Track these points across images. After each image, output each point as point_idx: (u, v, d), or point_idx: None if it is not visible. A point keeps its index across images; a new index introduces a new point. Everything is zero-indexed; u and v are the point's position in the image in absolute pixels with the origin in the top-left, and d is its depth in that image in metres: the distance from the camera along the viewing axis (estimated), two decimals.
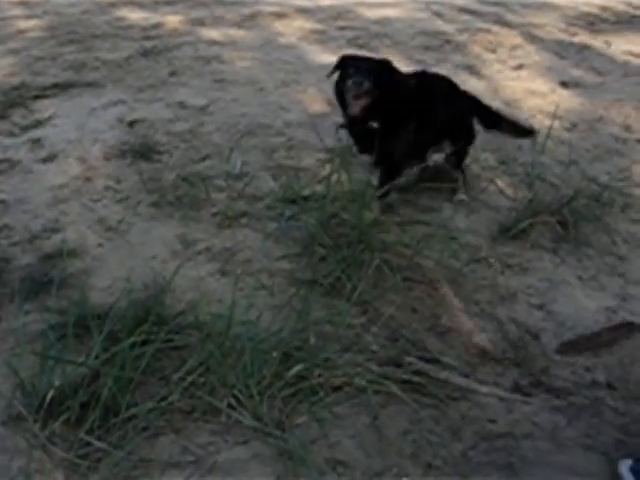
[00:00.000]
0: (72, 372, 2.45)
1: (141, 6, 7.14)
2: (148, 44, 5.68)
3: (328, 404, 2.42)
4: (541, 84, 5.01)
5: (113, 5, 7.22)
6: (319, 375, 2.48)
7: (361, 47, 5.46)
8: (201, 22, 6.30)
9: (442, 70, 4.92)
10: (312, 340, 2.58)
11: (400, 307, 2.88)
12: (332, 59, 5.12)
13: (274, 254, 3.14)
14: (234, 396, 2.41)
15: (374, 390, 2.47)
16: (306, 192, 3.43)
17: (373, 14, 6.38)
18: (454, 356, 2.71)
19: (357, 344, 2.68)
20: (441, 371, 2.62)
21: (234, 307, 2.58)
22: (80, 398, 2.38)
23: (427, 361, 2.66)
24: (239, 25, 6.17)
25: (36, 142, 4.19)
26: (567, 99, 4.78)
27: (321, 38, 5.75)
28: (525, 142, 4.04)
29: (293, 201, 3.40)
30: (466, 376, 2.63)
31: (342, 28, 5.98)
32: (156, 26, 6.23)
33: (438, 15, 6.41)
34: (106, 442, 2.30)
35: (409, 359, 2.64)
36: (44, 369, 2.45)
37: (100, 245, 3.28)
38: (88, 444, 2.30)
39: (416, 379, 2.55)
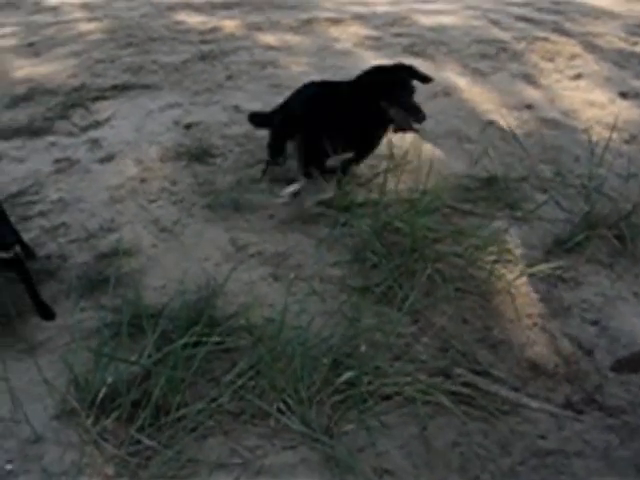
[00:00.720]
0: (125, 370, 2.49)
1: (198, 10, 7.23)
2: (205, 48, 5.74)
3: (377, 413, 2.42)
4: (600, 94, 4.92)
5: (171, 9, 7.33)
6: (369, 383, 2.47)
7: (417, 54, 5.43)
8: (258, 27, 6.34)
9: (499, 79, 4.91)
10: (362, 348, 2.58)
11: (451, 318, 2.85)
12: None
13: (326, 260, 3.14)
14: (283, 401, 2.42)
15: (423, 400, 2.45)
16: (360, 199, 3.43)
17: (429, 21, 6.34)
18: (505, 369, 2.68)
19: (407, 353, 2.67)
20: (491, 384, 2.59)
21: (285, 312, 2.60)
22: (132, 396, 2.42)
23: (477, 373, 2.63)
24: (295, 30, 6.20)
25: (95, 142, 4.28)
26: (626, 110, 4.68)
27: (376, 44, 5.73)
28: (582, 154, 3.98)
29: (346, 208, 3.40)
30: (516, 390, 2.59)
31: (397, 35, 5.96)
32: (213, 30, 6.30)
33: (495, 23, 6.34)
34: (156, 441, 2.34)
35: (459, 370, 2.62)
36: (98, 366, 2.51)
37: (154, 246, 3.33)
38: (138, 442, 2.34)
39: (465, 391, 2.52)
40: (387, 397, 2.48)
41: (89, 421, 2.41)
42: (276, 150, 3.63)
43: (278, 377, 2.45)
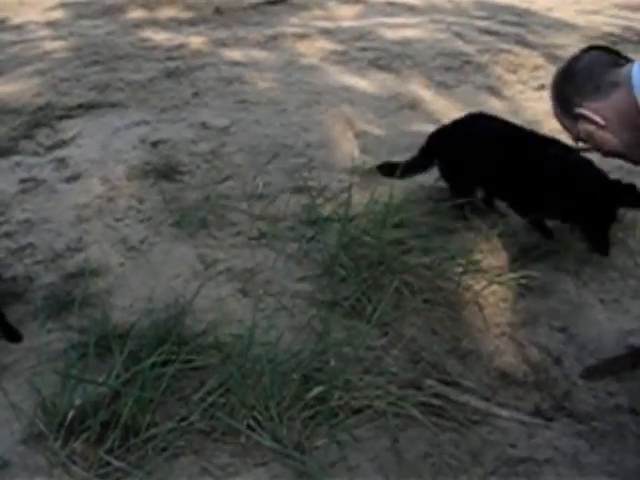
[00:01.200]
0: (93, 391, 2.47)
1: (164, 27, 7.22)
2: (171, 65, 5.74)
3: (348, 427, 2.42)
4: None
5: (137, 26, 7.31)
6: (339, 397, 2.47)
7: (382, 68, 5.49)
8: (223, 43, 6.35)
9: (464, 91, 4.98)
10: (332, 362, 2.58)
11: (421, 329, 2.87)
12: (353, 80, 5.23)
13: (295, 275, 3.15)
14: (254, 417, 2.41)
15: (394, 413, 2.46)
16: (327, 213, 3.44)
17: (394, 35, 6.39)
18: (475, 379, 2.70)
19: (377, 366, 2.67)
20: (461, 394, 2.61)
21: (254, 328, 2.59)
22: (101, 417, 2.39)
23: (447, 384, 2.65)
24: (261, 46, 6.22)
25: (60, 162, 4.24)
26: None
27: (343, 59, 5.77)
28: None
29: (314, 222, 3.41)
30: (487, 399, 2.61)
31: (363, 49, 6.00)
32: (179, 47, 6.30)
33: (459, 36, 6.41)
34: (126, 462, 2.31)
35: (429, 382, 2.63)
36: (65, 388, 2.47)
37: (122, 265, 3.30)
38: (108, 463, 2.31)
39: (436, 402, 2.53)
40: (358, 411, 2.48)
41: (57, 444, 2.37)
42: None
43: (248, 394, 2.44)
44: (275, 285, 3.10)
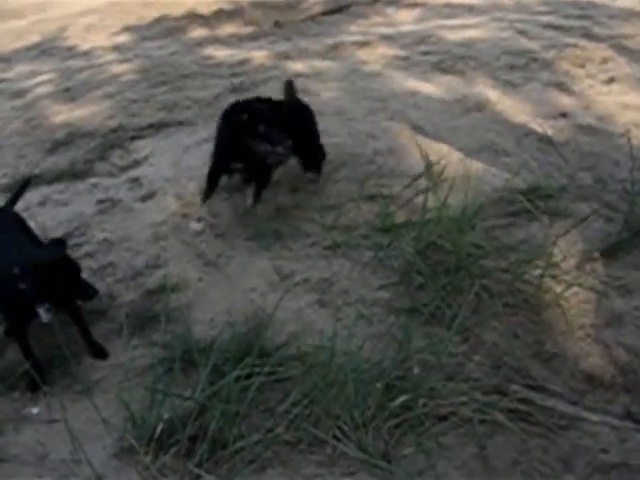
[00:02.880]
0: (180, 405, 2.51)
1: (226, 44, 7.34)
2: (236, 80, 5.82)
3: (434, 434, 2.40)
4: (634, 97, 4.86)
5: (199, 45, 7.46)
6: (424, 405, 2.46)
7: (446, 71, 5.44)
8: (286, 56, 6.42)
9: (531, 89, 4.89)
10: (415, 370, 2.56)
11: (502, 334, 2.83)
12: (417, 85, 5.20)
13: (371, 284, 3.14)
14: (339, 427, 2.42)
15: (480, 419, 2.43)
16: (400, 220, 3.43)
17: (456, 36, 6.34)
18: (560, 383, 2.64)
19: (460, 373, 2.64)
20: (548, 399, 2.55)
21: (335, 338, 2.60)
22: (189, 431, 2.44)
23: (532, 389, 2.60)
24: (323, 56, 6.25)
25: (135, 181, 4.36)
26: None
27: (405, 64, 5.75)
28: (622, 158, 3.92)
29: (388, 230, 3.40)
30: (574, 403, 2.55)
31: (425, 53, 5.97)
32: (242, 62, 6.39)
33: (522, 33, 6.31)
34: (215, 474, 2.35)
35: (514, 387, 2.59)
36: (153, 403, 2.53)
37: (200, 279, 3.37)
38: (198, 476, 2.35)
39: (522, 407, 2.49)
40: (443, 418, 2.46)
41: (148, 458, 2.44)
42: None
43: (332, 404, 2.45)
44: (352, 294, 3.10)
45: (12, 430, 2.73)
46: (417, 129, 4.43)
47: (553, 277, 3.09)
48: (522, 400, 2.52)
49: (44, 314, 2.85)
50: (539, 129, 4.34)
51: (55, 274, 2.78)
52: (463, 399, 2.49)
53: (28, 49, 8.66)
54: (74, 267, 2.92)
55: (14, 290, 2.79)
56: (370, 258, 3.29)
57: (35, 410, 2.81)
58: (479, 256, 3.11)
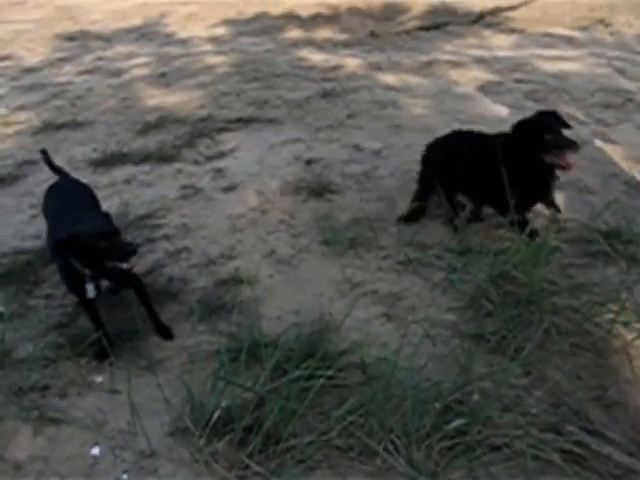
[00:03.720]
0: (239, 395, 2.57)
1: (320, 48, 7.44)
2: (327, 86, 5.90)
3: (485, 463, 2.38)
4: None
5: (294, 46, 7.58)
6: (478, 432, 2.44)
7: (538, 101, 5.38)
8: (378, 67, 6.47)
9: (624, 130, 4.79)
10: (475, 396, 2.56)
11: (565, 373, 2.78)
12: (508, 112, 5.16)
13: (440, 304, 3.14)
14: (391, 441, 2.43)
15: (533, 455, 2.40)
16: (476, 245, 3.42)
17: (551, 67, 6.28)
18: (619, 431, 2.58)
19: (518, 406, 2.62)
20: (604, 445, 2.50)
21: (399, 352, 2.62)
22: (245, 422, 2.49)
23: (590, 433, 2.55)
24: (415, 72, 6.27)
25: (218, 172, 4.47)
26: None
27: (497, 89, 5.72)
28: None
29: (462, 253, 3.40)
30: (631, 454, 2.49)
31: (519, 81, 5.93)
32: (335, 68, 6.47)
33: (620, 72, 6.20)
34: (264, 468, 2.39)
35: (570, 428, 2.55)
36: (215, 389, 2.59)
37: (271, 277, 3.43)
38: (248, 467, 2.40)
39: (577, 450, 2.45)
40: (496, 448, 2.44)
41: (202, 442, 2.50)
42: None
43: (388, 417, 2.46)
44: (420, 312, 3.11)
45: (76, 394, 2.83)
46: None
47: (624, 324, 3.03)
48: (578, 443, 2.47)
49: (90, 290, 2.93)
50: (627, 171, 4.26)
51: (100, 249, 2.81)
52: (518, 432, 2.47)
53: (128, 31, 8.96)
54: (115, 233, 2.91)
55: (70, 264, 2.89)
56: (441, 279, 3.29)
57: (99, 379, 2.91)
58: (551, 292, 3.07)
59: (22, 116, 6.03)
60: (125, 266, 2.82)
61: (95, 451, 2.56)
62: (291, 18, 8.71)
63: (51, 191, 3.45)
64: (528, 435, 2.46)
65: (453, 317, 3.06)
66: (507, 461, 2.42)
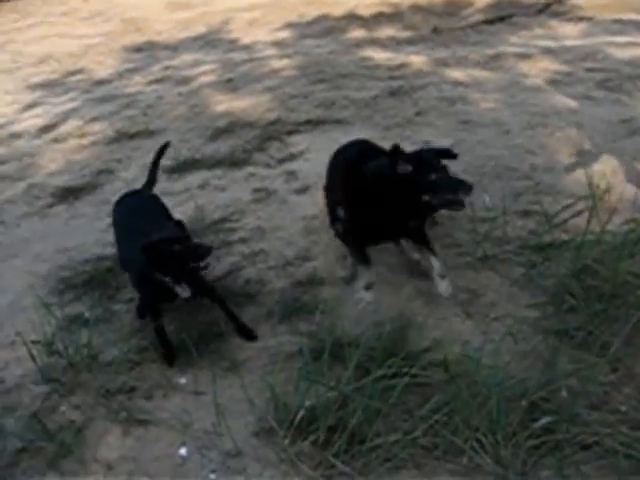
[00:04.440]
0: (323, 395, 2.59)
1: (384, 46, 7.42)
2: (394, 84, 5.88)
3: (575, 461, 2.34)
4: None
5: (358, 46, 7.57)
6: (566, 430, 2.40)
7: (612, 90, 5.24)
8: (444, 63, 6.41)
9: None
10: (563, 393, 2.51)
11: None
12: (580, 102, 5.05)
13: (520, 301, 3.10)
14: (477, 439, 2.41)
15: (625, 454, 2.34)
16: (555, 240, 3.35)
17: (624, 54, 6.09)
18: None
19: (606, 403, 2.56)
20: None
21: (482, 350, 2.60)
22: (329, 421, 2.51)
23: None
24: (482, 66, 6.19)
25: (290, 174, 4.52)
26: None
27: (568, 80, 5.59)
28: None
29: (540, 247, 3.34)
30: None
31: (590, 70, 5.78)
32: (400, 66, 6.44)
33: None
34: (350, 467, 2.41)
35: None
36: (298, 389, 2.62)
37: (346, 277, 3.44)
38: (333, 466, 2.42)
39: None
40: (586, 447, 2.39)
41: (286, 441, 2.53)
42: None
43: (473, 415, 2.44)
44: (499, 309, 3.07)
45: (161, 396, 2.91)
46: (578, 148, 4.31)
47: None
48: None
49: (183, 291, 3.00)
50: None
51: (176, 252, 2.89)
52: (608, 430, 2.42)
53: (194, 39, 9.12)
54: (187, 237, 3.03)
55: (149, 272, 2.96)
56: (520, 274, 3.24)
57: (183, 380, 2.98)
58: (636, 286, 2.99)
59: (96, 127, 6.21)
60: (203, 265, 2.89)
61: (183, 451, 2.63)
62: (353, 18, 8.70)
63: (120, 204, 3.55)
64: (619, 433, 2.40)
65: (535, 313, 3.01)
66: (598, 460, 2.37)
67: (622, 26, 7.13)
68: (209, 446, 2.63)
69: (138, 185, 3.82)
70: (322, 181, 3.58)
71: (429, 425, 2.47)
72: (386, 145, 4.47)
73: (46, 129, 6.37)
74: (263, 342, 3.10)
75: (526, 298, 3.11)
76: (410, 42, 7.50)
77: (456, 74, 6.01)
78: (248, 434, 2.64)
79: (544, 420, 2.42)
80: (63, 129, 6.30)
